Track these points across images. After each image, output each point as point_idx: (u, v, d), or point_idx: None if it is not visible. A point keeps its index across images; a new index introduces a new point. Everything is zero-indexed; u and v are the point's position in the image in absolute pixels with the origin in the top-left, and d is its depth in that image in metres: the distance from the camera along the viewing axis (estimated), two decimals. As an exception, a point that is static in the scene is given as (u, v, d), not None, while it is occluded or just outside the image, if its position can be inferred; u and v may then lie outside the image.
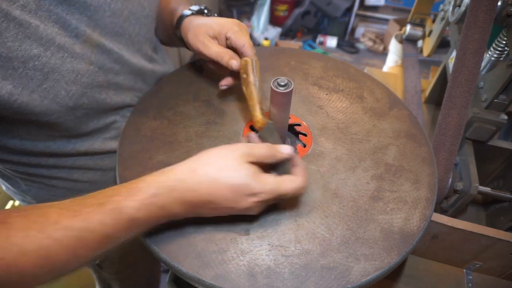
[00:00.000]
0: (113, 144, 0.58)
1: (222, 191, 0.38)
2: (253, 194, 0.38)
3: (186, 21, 0.57)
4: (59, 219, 0.33)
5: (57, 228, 0.33)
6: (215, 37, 0.54)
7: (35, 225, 0.32)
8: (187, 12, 0.58)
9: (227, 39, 0.53)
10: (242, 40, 0.51)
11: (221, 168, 0.38)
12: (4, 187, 0.64)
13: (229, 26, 0.53)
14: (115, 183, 0.47)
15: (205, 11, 0.60)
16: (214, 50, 0.52)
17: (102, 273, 0.80)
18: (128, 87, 0.56)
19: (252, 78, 0.50)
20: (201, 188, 0.37)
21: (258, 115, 0.49)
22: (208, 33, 0.54)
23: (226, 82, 0.57)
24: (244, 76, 0.51)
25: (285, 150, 0.42)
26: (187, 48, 0.61)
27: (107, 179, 0.61)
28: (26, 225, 0.32)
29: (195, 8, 0.59)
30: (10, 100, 0.40)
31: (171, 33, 0.62)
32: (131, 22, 0.51)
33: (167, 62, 0.70)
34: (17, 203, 1.53)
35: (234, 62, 0.51)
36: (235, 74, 0.55)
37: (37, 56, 0.40)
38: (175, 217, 0.40)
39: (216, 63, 0.55)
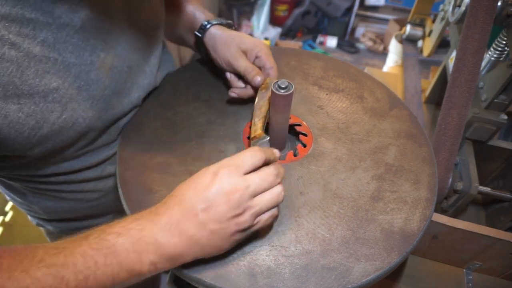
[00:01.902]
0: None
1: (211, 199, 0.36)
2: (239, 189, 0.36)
3: (213, 29, 0.59)
4: (43, 257, 0.32)
5: (39, 267, 0.31)
6: (245, 52, 0.56)
7: (20, 265, 0.31)
8: (215, 21, 0.60)
9: (256, 57, 0.56)
10: (271, 62, 0.55)
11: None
12: (8, 197, 0.63)
13: (261, 46, 0.56)
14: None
15: (232, 27, 0.62)
16: (243, 64, 0.55)
17: None
18: (136, 98, 0.56)
19: (260, 98, 0.52)
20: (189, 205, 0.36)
21: (259, 127, 0.49)
22: (241, 46, 0.56)
23: (238, 91, 0.58)
24: (263, 91, 0.53)
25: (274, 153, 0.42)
26: (199, 52, 0.63)
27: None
28: (12, 266, 0.31)
29: (223, 21, 0.61)
30: (30, 135, 0.40)
31: (185, 33, 0.64)
32: (139, 37, 0.52)
33: (171, 63, 0.70)
34: (8, 217, 1.52)
35: (258, 78, 0.54)
36: (251, 87, 0.57)
37: (56, 89, 0.40)
38: (171, 255, 0.36)
39: (236, 76, 0.58)
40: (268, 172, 0.38)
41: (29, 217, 0.70)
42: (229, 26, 0.62)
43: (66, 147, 0.47)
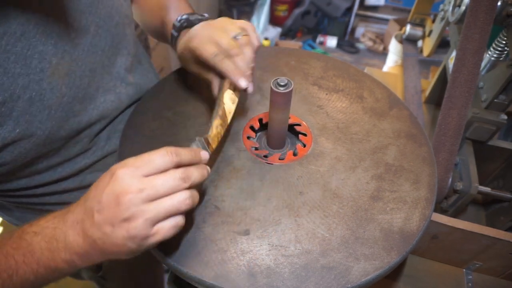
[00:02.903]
0: (100, 156, 0.56)
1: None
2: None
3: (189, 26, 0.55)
4: None
5: None
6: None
7: None
8: (180, 17, 0.56)
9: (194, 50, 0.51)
10: (205, 55, 0.48)
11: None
12: None
13: (196, 40, 0.50)
14: None
15: (201, 18, 0.57)
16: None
17: (106, 284, 0.78)
18: (111, 106, 0.54)
19: (219, 96, 0.48)
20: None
21: (212, 129, 0.45)
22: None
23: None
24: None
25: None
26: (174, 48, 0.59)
27: None
28: None
29: (201, 17, 0.57)
30: None
31: (164, 30, 0.60)
32: (100, 36, 0.49)
33: (150, 70, 0.67)
34: None
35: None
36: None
37: (2, 103, 0.38)
38: (80, 255, 0.35)
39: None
40: (171, 176, 0.34)
41: None
42: (201, 19, 0.56)
43: (31, 160, 0.45)
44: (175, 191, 0.34)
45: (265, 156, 0.52)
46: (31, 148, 0.43)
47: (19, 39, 0.39)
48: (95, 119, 0.51)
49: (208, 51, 0.47)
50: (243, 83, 0.47)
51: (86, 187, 0.56)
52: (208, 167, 0.38)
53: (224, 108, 0.47)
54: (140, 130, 0.55)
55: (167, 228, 0.34)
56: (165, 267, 1.07)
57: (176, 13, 0.57)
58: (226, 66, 0.47)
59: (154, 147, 0.53)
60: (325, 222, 0.45)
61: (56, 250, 0.35)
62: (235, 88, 0.49)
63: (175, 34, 0.56)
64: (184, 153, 0.36)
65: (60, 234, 0.35)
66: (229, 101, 0.48)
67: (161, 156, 0.34)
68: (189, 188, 0.35)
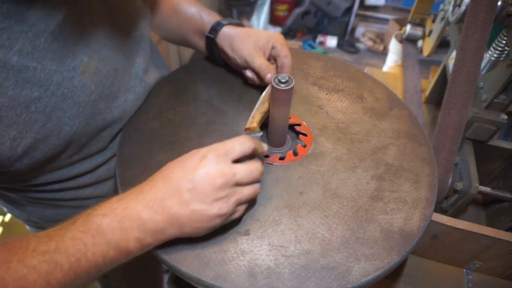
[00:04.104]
0: (115, 152, 0.57)
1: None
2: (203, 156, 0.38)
3: (227, 29, 0.60)
4: (36, 246, 0.33)
5: (34, 255, 0.33)
6: (263, 47, 0.57)
7: (16, 256, 0.32)
8: (225, 21, 0.61)
9: (272, 47, 0.57)
10: (286, 52, 0.57)
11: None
12: (6, 209, 0.62)
13: (277, 37, 0.58)
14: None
15: (241, 25, 0.63)
16: (258, 62, 0.56)
17: (108, 281, 0.78)
18: (131, 105, 0.56)
19: (264, 93, 0.53)
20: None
21: (256, 120, 0.49)
22: (258, 43, 0.57)
23: (252, 76, 0.60)
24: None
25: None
26: (211, 52, 0.64)
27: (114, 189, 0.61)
28: (9, 258, 0.32)
29: (233, 21, 0.62)
30: (13, 145, 0.39)
31: (190, 35, 0.65)
32: (122, 39, 0.51)
33: (163, 68, 0.70)
34: (7, 217, 1.52)
35: (268, 75, 0.56)
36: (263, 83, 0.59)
37: (38, 99, 0.39)
38: (154, 232, 0.37)
39: (253, 73, 0.59)
40: (255, 167, 0.40)
41: (27, 227, 0.69)
42: (239, 25, 0.62)
43: (56, 155, 0.46)
44: (255, 181, 0.40)
45: (265, 156, 0.52)
46: (59, 144, 0.44)
47: (56, 38, 0.40)
48: (117, 117, 0.53)
49: (289, 53, 0.57)
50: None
51: (101, 182, 0.58)
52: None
53: (267, 106, 0.51)
54: (140, 130, 0.55)
55: (242, 209, 0.41)
56: (165, 267, 1.07)
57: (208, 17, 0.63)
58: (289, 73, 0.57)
59: (154, 147, 0.53)
60: (325, 222, 0.45)
61: (130, 228, 0.36)
62: None
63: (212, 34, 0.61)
64: (256, 144, 0.41)
65: (133, 214, 0.36)
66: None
67: (241, 144, 0.39)
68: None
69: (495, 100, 0.71)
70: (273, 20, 2.99)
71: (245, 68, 0.60)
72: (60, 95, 0.42)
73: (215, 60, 0.66)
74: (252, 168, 0.39)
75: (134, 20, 0.54)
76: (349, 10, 2.90)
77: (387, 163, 0.52)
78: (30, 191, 0.53)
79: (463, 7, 0.81)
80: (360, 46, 2.99)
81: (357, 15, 2.99)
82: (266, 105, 0.51)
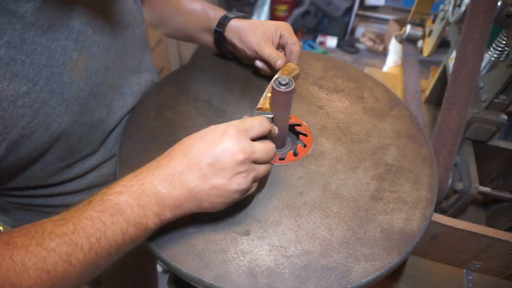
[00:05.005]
0: (106, 157, 0.57)
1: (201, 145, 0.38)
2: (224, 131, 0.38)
3: (234, 22, 0.60)
4: (53, 229, 0.33)
5: (52, 238, 0.32)
6: (271, 36, 0.59)
7: (33, 240, 0.32)
8: (232, 14, 0.62)
9: (280, 36, 0.59)
10: (294, 39, 0.58)
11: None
12: None
13: (284, 26, 0.60)
14: None
15: (248, 18, 0.64)
16: (268, 51, 0.57)
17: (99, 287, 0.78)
18: (118, 105, 0.55)
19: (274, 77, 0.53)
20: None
21: (269, 101, 0.49)
22: (266, 33, 0.58)
23: (262, 65, 0.61)
24: (285, 73, 0.55)
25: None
26: (219, 47, 0.65)
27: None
28: (27, 242, 0.32)
29: (240, 14, 0.63)
30: None
31: (196, 31, 0.65)
32: (113, 37, 0.51)
33: (153, 72, 0.69)
34: None
35: (279, 62, 0.57)
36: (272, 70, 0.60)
37: (26, 93, 0.38)
38: (172, 206, 0.37)
39: (263, 63, 0.60)
40: (271, 148, 0.41)
41: None
42: (245, 18, 0.63)
43: (42, 153, 0.45)
44: (269, 161, 0.42)
45: (265, 156, 0.52)
46: (46, 141, 0.43)
47: (45, 31, 0.40)
48: (104, 116, 0.52)
49: (297, 41, 0.58)
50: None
51: (91, 188, 0.57)
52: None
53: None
54: (140, 130, 0.55)
55: (255, 187, 0.42)
56: (165, 267, 1.07)
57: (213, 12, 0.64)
58: (297, 61, 0.59)
59: (154, 147, 0.53)
60: (325, 222, 0.45)
61: (148, 204, 0.36)
62: (290, 73, 0.56)
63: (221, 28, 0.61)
64: (273, 128, 0.43)
65: (151, 189, 0.36)
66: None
67: (260, 123, 0.41)
68: None
69: (495, 100, 0.71)
70: (273, 20, 2.99)
71: (255, 59, 0.61)
72: (49, 90, 0.41)
73: (224, 54, 0.67)
74: (269, 147, 0.41)
75: (124, 20, 0.53)
76: (349, 10, 2.90)
77: (387, 163, 0.52)
78: (16, 196, 0.52)
79: (463, 7, 0.81)
80: (360, 46, 2.99)
81: (357, 15, 2.99)
82: None
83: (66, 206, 0.54)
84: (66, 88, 0.43)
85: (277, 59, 0.57)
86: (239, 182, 0.38)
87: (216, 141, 0.37)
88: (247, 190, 0.40)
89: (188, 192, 0.37)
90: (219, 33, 0.61)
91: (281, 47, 0.60)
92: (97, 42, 0.47)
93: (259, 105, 0.49)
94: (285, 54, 0.59)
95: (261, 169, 0.40)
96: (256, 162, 0.39)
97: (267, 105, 0.48)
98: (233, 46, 0.62)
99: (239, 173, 0.38)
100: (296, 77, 0.56)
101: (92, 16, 0.46)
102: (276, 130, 0.45)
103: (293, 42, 0.58)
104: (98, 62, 0.48)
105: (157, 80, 0.68)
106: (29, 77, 0.39)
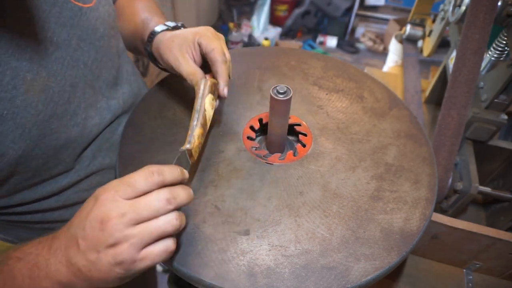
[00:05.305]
0: (83, 175, 0.54)
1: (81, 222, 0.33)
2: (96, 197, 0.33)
3: (159, 36, 0.54)
4: None
5: None
6: (189, 48, 0.50)
7: None
8: (160, 28, 0.55)
9: (199, 45, 0.50)
10: (212, 45, 0.48)
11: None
12: None
13: (201, 32, 0.50)
14: None
15: (182, 28, 0.56)
16: (184, 69, 0.49)
17: None
18: (93, 123, 0.51)
19: (198, 102, 0.46)
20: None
21: (187, 141, 0.43)
22: (182, 46, 0.50)
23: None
24: (200, 93, 0.47)
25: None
26: (156, 65, 0.58)
27: None
28: None
29: (171, 24, 0.56)
30: None
31: (138, 43, 0.59)
32: (83, 50, 0.47)
33: (138, 80, 0.65)
34: None
35: (200, 85, 0.48)
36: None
37: None
38: (62, 285, 0.34)
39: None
40: (155, 197, 0.33)
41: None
42: (176, 29, 0.56)
43: (3, 179, 0.43)
44: (160, 213, 0.33)
45: (265, 156, 0.53)
46: (3, 167, 0.41)
47: None
48: (75, 136, 0.48)
49: (218, 46, 0.48)
50: (226, 91, 0.48)
51: (70, 206, 0.54)
52: (191, 190, 0.37)
53: (205, 114, 0.45)
54: (140, 130, 0.55)
55: (156, 252, 0.33)
56: (165, 267, 1.07)
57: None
58: (224, 68, 0.47)
59: (154, 146, 0.53)
60: (325, 222, 0.45)
61: (38, 278, 0.34)
62: (214, 92, 0.48)
63: (159, 30, 0.55)
64: (168, 172, 0.34)
65: (42, 262, 0.34)
66: (209, 107, 0.46)
67: (143, 177, 0.33)
68: (175, 209, 0.34)
69: (495, 100, 0.71)
70: (273, 20, 2.99)
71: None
72: None
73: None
74: (151, 200, 0.32)
75: (97, 31, 0.49)
76: (349, 10, 2.90)
77: (387, 163, 0.52)
78: (3, 214, 0.50)
79: (463, 7, 0.81)
80: (360, 46, 2.99)
81: (357, 15, 2.99)
82: (192, 118, 0.45)
83: (46, 223, 0.53)
84: (19, 113, 0.40)
85: (195, 79, 0.48)
86: (114, 254, 0.31)
87: (88, 212, 0.33)
88: (132, 261, 0.32)
89: (72, 269, 0.33)
90: (147, 50, 0.56)
91: (206, 58, 0.50)
92: (60, 59, 0.44)
93: (188, 145, 0.41)
94: (211, 67, 0.49)
95: (147, 230, 0.32)
96: (135, 223, 0.32)
97: (196, 155, 0.42)
98: (160, 64, 0.56)
99: (111, 244, 0.31)
100: (217, 92, 0.49)
101: (52, 32, 0.43)
102: (184, 173, 0.37)
103: (212, 49, 0.48)
104: (62, 79, 0.44)
105: (143, 91, 0.64)
106: None
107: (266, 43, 2.68)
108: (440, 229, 0.61)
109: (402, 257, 0.42)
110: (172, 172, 0.35)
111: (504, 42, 0.73)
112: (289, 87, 0.45)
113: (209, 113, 0.46)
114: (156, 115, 0.58)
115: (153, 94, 0.61)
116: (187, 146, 0.41)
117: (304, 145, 0.54)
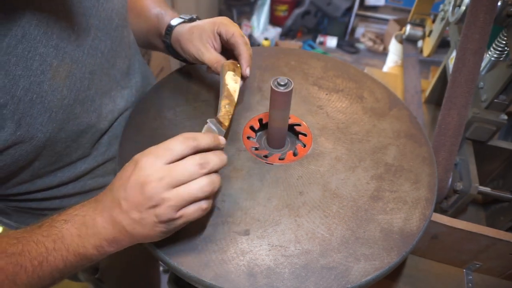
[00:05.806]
0: (100, 161, 0.56)
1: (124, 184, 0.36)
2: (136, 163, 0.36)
3: (177, 29, 0.57)
4: (5, 248, 0.34)
5: (2, 257, 0.34)
6: (209, 38, 0.53)
7: None
8: (176, 21, 0.58)
9: (219, 35, 0.53)
10: (231, 30, 0.52)
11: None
12: None
13: (219, 21, 0.53)
14: None
15: (197, 20, 0.59)
16: (207, 58, 0.53)
17: (103, 286, 0.78)
18: (108, 109, 0.54)
19: (221, 80, 0.50)
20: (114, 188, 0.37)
21: (226, 117, 0.46)
22: (202, 36, 0.53)
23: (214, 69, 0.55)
24: (226, 74, 0.51)
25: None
26: (175, 57, 0.61)
27: None
28: None
29: (186, 16, 0.59)
30: None
31: (153, 38, 0.61)
32: (100, 39, 0.49)
33: (148, 71, 0.67)
34: None
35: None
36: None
37: (4, 105, 0.38)
38: (109, 241, 0.37)
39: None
40: (190, 162, 0.35)
41: None
42: (192, 21, 0.59)
43: (30, 161, 0.45)
44: (194, 177, 0.35)
45: (265, 156, 0.53)
46: (31, 150, 0.43)
47: (20, 41, 0.39)
48: (94, 121, 0.51)
49: (237, 30, 0.51)
50: (248, 71, 0.52)
51: (87, 192, 0.57)
52: (224, 154, 0.39)
53: (228, 88, 0.49)
54: (140, 130, 0.55)
55: (191, 211, 0.36)
56: (165, 267, 1.07)
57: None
58: (245, 49, 0.51)
59: (154, 147, 0.53)
60: (325, 222, 0.45)
61: (86, 236, 0.36)
62: (234, 70, 0.51)
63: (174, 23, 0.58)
64: (202, 138, 0.37)
65: (90, 221, 0.36)
66: (231, 81, 0.50)
67: (179, 143, 0.36)
68: (209, 173, 0.36)
69: (495, 100, 0.71)
70: (273, 20, 2.99)
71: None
72: (28, 101, 0.40)
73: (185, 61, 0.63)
74: (185, 165, 0.35)
75: (112, 21, 0.51)
76: (349, 10, 2.90)
77: (387, 163, 0.52)
78: (12, 200, 0.52)
79: (463, 7, 0.81)
80: (360, 46, 2.99)
81: (357, 15, 2.99)
82: (222, 93, 0.49)
83: (64, 209, 0.55)
84: (47, 97, 0.42)
85: (217, 64, 0.52)
86: (156, 214, 0.35)
87: (129, 175, 0.35)
88: (171, 219, 0.35)
89: (117, 226, 0.36)
90: (166, 43, 0.59)
91: (227, 44, 0.54)
92: (81, 47, 0.46)
93: (217, 115, 0.45)
94: (233, 50, 0.53)
95: (183, 193, 0.35)
96: (173, 186, 0.35)
97: (226, 123, 0.44)
98: (180, 55, 0.59)
99: (153, 205, 0.34)
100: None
101: (75, 20, 0.45)
102: (221, 140, 0.39)
103: (232, 34, 0.51)
104: (83, 67, 0.47)
105: (153, 82, 0.67)
106: (5, 89, 0.38)
107: (266, 43, 2.68)
108: (440, 229, 0.61)
109: (402, 257, 0.42)
110: (205, 138, 0.38)
111: (504, 42, 0.73)
112: (290, 79, 0.45)
113: (232, 86, 0.50)
114: (156, 115, 0.58)
115: (153, 94, 0.61)
116: (218, 115, 0.45)
117: (304, 145, 0.54)
